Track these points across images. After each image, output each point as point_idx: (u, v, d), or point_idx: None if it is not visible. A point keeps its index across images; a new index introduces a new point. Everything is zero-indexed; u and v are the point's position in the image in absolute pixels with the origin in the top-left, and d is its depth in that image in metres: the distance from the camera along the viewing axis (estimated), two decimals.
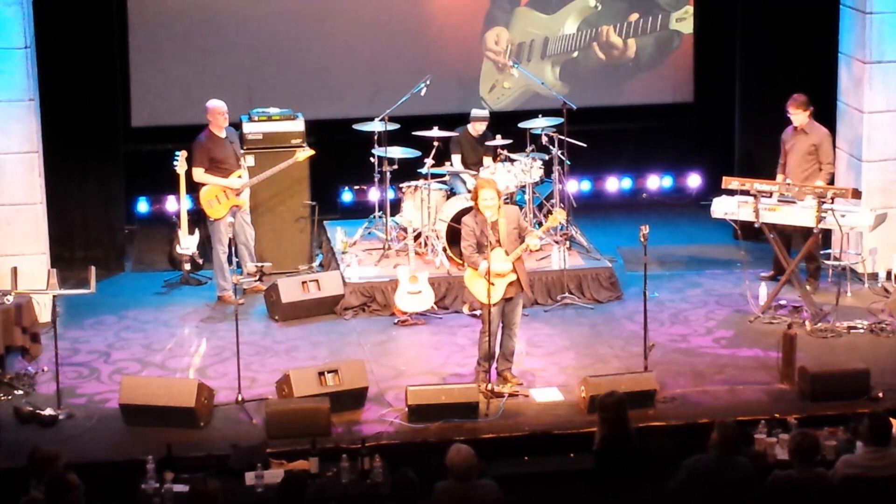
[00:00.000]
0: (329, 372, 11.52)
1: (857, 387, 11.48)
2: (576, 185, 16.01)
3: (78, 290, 12.44)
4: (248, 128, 14.47)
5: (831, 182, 13.62)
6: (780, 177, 13.62)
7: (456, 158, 14.61)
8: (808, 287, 13.44)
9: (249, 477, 10.01)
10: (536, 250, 12.09)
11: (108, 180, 14.72)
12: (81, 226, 14.59)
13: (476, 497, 8.82)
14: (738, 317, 13.34)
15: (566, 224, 14.45)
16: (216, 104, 13.81)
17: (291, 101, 14.99)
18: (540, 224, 14.16)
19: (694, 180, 16.73)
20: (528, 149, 14.52)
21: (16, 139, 13.19)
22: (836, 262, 13.78)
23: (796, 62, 14.90)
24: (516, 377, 11.88)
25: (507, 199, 14.14)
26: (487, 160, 14.46)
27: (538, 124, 14.55)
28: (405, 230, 14.10)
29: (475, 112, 14.64)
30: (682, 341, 12.85)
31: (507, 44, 16.24)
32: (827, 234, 13.64)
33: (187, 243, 14.28)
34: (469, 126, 14.62)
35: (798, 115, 13.42)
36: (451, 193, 14.35)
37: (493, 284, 11.48)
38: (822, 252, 13.76)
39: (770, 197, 13.11)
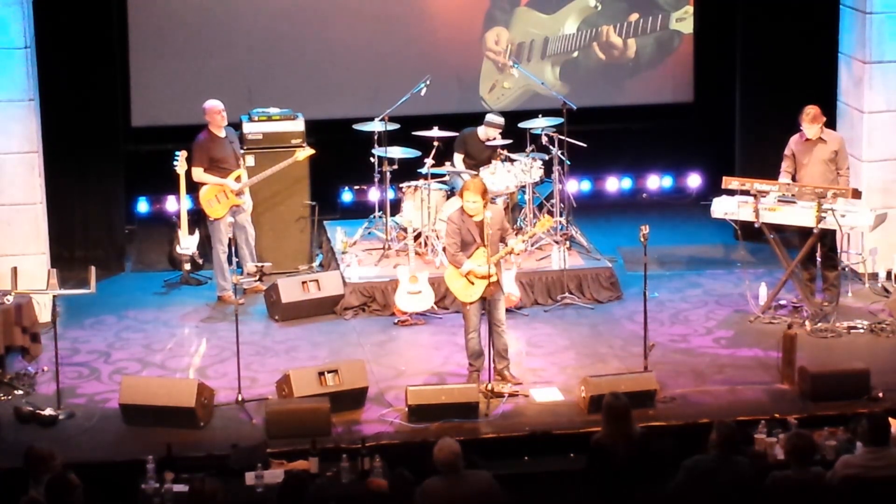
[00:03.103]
0: (329, 372, 11.53)
1: (857, 387, 11.48)
2: (576, 185, 16.01)
3: (78, 290, 12.44)
4: (248, 128, 14.47)
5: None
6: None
7: (458, 158, 14.58)
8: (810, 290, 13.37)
9: (249, 477, 10.01)
10: (520, 253, 11.90)
11: (108, 180, 14.71)
12: (81, 226, 14.58)
13: (467, 488, 8.79)
14: (738, 317, 13.34)
15: (566, 224, 14.46)
16: (213, 104, 13.81)
17: (291, 101, 14.99)
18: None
19: (694, 180, 16.73)
20: (528, 149, 14.51)
21: (16, 139, 13.20)
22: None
23: (796, 62, 14.88)
24: (516, 377, 11.88)
25: (507, 199, 14.17)
26: (494, 163, 14.34)
27: (538, 124, 14.54)
28: (405, 230, 14.10)
29: (493, 118, 14.47)
30: (682, 341, 12.85)
31: (507, 44, 16.24)
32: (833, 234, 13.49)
33: (187, 243, 14.28)
34: (480, 129, 14.52)
35: (813, 128, 13.10)
36: (452, 193, 14.34)
37: (472, 284, 11.55)
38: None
39: (769, 197, 13.09)
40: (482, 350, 11.74)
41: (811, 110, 13.15)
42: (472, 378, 11.74)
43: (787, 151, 13.27)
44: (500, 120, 14.48)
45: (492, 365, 11.74)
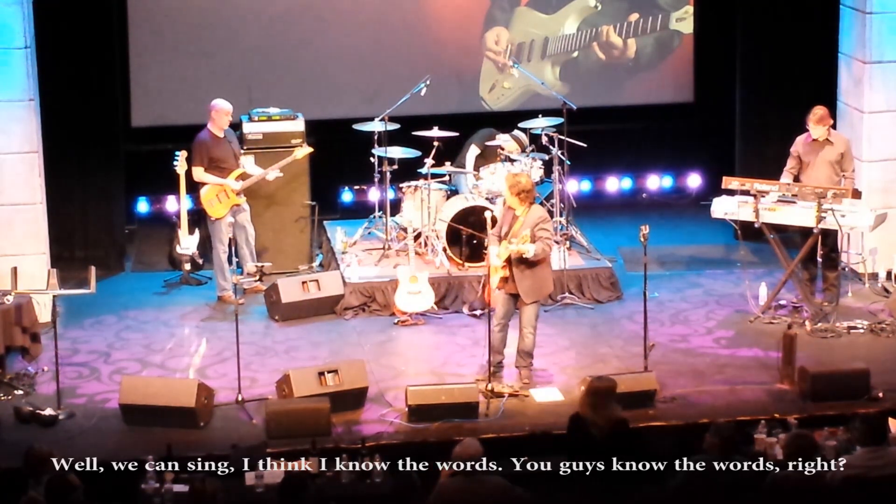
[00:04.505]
0: (329, 372, 11.53)
1: (857, 387, 11.49)
2: (576, 185, 16.01)
3: (78, 290, 12.43)
4: (248, 128, 14.46)
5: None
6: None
7: (473, 150, 14.54)
8: (811, 291, 13.35)
9: (249, 477, 10.01)
10: (528, 256, 11.67)
11: (108, 180, 14.70)
12: (81, 226, 14.57)
13: (484, 491, 8.78)
14: (738, 317, 13.34)
15: (566, 224, 14.46)
16: (223, 104, 13.77)
17: (291, 101, 14.99)
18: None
19: (694, 180, 16.73)
20: (528, 149, 14.51)
21: (16, 139, 13.20)
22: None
23: (796, 62, 14.88)
24: (525, 380, 11.84)
25: None
26: (493, 165, 14.33)
27: (538, 124, 14.54)
28: (405, 230, 14.10)
29: (522, 136, 14.51)
30: (682, 341, 12.85)
31: (507, 44, 16.24)
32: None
33: (187, 243, 14.27)
34: (504, 136, 14.46)
35: (819, 130, 13.07)
36: (452, 193, 14.36)
37: (496, 270, 11.66)
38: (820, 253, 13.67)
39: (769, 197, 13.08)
40: (498, 347, 11.78)
41: (819, 111, 13.12)
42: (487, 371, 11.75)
43: (792, 150, 13.25)
44: (527, 141, 14.50)
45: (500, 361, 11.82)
